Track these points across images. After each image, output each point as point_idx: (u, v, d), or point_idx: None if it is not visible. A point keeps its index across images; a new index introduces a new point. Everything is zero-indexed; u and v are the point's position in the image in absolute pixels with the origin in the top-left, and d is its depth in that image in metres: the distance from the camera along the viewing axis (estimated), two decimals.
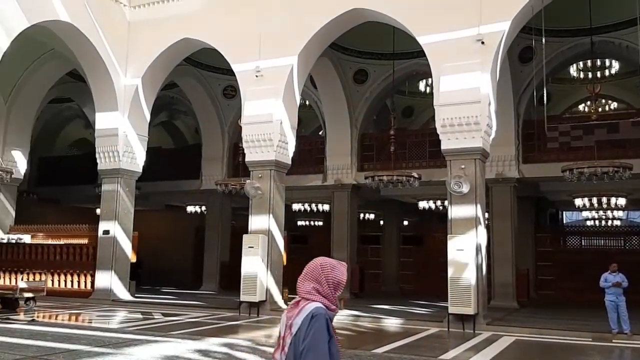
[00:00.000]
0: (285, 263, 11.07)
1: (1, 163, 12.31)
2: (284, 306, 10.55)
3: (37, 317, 9.51)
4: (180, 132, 21.04)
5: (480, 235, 9.01)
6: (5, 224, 13.75)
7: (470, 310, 8.61)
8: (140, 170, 12.45)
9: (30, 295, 10.29)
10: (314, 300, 1.84)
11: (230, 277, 14.14)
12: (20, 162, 13.90)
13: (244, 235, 10.45)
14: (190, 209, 18.53)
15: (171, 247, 18.58)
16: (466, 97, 9.01)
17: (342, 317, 9.79)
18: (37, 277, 12.11)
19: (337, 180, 14.17)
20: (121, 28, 12.02)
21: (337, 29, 10.69)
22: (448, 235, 9.01)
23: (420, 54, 10.14)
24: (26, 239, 13.47)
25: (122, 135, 11.89)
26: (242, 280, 10.24)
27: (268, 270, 10.26)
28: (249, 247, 10.24)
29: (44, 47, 12.77)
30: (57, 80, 14.19)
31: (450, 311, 8.76)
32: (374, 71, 14.21)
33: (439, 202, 15.20)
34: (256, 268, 10.12)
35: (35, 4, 10.19)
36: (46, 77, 13.86)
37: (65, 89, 15.56)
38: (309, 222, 20.36)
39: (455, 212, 9.09)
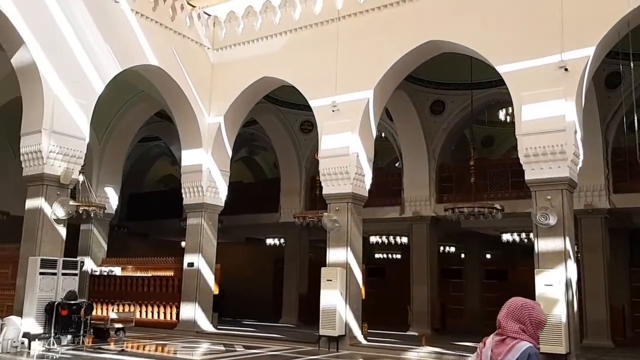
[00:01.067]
0: (364, 297, 10.97)
1: (95, 199, 13.11)
2: (363, 341, 10.41)
3: (127, 347, 9.91)
4: (259, 167, 21.64)
5: (570, 270, 8.55)
6: (98, 256, 14.57)
7: (562, 350, 8.13)
8: (223, 204, 12.86)
9: (120, 325, 10.77)
10: (523, 340, 1.97)
11: (309, 309, 14.15)
12: (112, 198, 14.81)
13: (323, 269, 10.47)
14: (269, 241, 18.88)
15: (251, 279, 18.92)
16: (550, 125, 8.71)
17: (424, 354, 9.51)
18: (127, 308, 12.68)
19: (415, 212, 13.98)
20: (205, 70, 12.64)
21: (412, 62, 10.71)
22: (535, 270, 8.61)
23: (500, 82, 9.94)
24: (117, 271, 14.16)
25: (205, 171, 12.38)
26: (320, 314, 10.23)
27: (347, 304, 10.20)
28: (328, 280, 10.23)
29: (134, 89, 13.64)
30: (146, 120, 15.10)
31: (540, 350, 8.30)
32: (451, 102, 14.06)
33: (523, 235, 14.60)
34: (335, 301, 10.09)
35: (127, 50, 10.93)
36: (136, 117, 14.82)
37: (153, 128, 16.47)
38: (387, 255, 20.13)
39: (542, 245, 8.69)
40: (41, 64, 9.38)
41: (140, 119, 14.97)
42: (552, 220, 8.54)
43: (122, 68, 10.76)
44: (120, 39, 10.81)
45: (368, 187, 10.97)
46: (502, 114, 16.14)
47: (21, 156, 9.65)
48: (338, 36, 11.06)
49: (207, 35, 12.87)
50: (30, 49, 9.26)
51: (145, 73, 11.71)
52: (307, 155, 16.09)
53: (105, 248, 14.83)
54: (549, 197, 8.72)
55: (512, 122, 9.70)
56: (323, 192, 10.87)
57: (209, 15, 13.12)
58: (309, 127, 15.74)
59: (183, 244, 13.54)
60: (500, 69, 9.38)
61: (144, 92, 13.56)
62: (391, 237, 16.98)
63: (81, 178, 10.67)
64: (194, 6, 12.67)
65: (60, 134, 9.58)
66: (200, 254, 12.36)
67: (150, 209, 18.87)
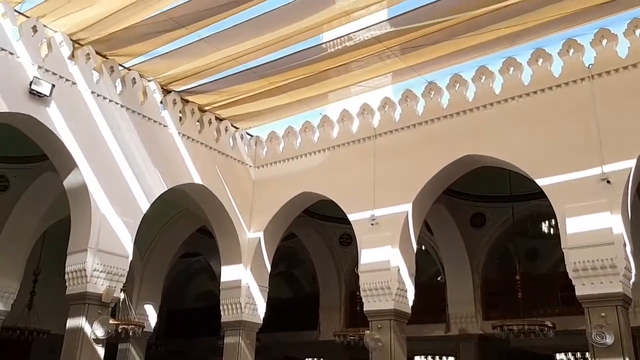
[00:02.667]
0: None
1: (135, 317, 13.06)
2: None
3: None
4: (298, 281, 21.39)
5: None
6: None
7: None
8: (261, 321, 12.60)
9: None
10: None
11: None
12: (151, 316, 14.74)
13: None
14: None
15: None
16: (597, 238, 8.46)
17: None
18: None
19: (462, 330, 13.37)
20: (247, 186, 13.00)
21: (450, 176, 10.79)
22: None
23: (541, 194, 9.85)
24: None
25: (244, 287, 12.29)
26: None
27: None
28: None
29: (177, 207, 14.04)
30: (187, 237, 15.37)
31: None
32: (491, 214, 13.91)
33: (578, 355, 13.69)
34: None
35: (173, 170, 11.40)
36: (178, 234, 15.11)
37: (194, 244, 16.67)
38: None
39: None
40: (91, 186, 9.82)
41: (182, 236, 15.25)
42: (609, 340, 8.01)
43: (167, 187, 11.15)
44: (167, 159, 11.32)
45: (411, 303, 10.65)
46: (545, 226, 15.79)
47: (66, 275, 9.82)
48: (375, 152, 11.34)
49: (249, 154, 13.39)
50: (82, 171, 9.74)
51: (189, 191, 12.08)
52: (346, 269, 15.91)
53: None
54: (603, 314, 8.26)
55: (557, 235, 9.47)
56: (364, 309, 10.59)
57: (251, 135, 13.74)
58: (348, 240, 15.70)
59: None
60: (540, 182, 9.35)
61: (186, 210, 13.92)
62: (437, 357, 16.12)
63: (122, 296, 10.73)
64: (237, 128, 13.32)
65: (104, 252, 9.77)
66: None
67: (188, 327, 18.62)
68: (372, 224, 10.74)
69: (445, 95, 10.93)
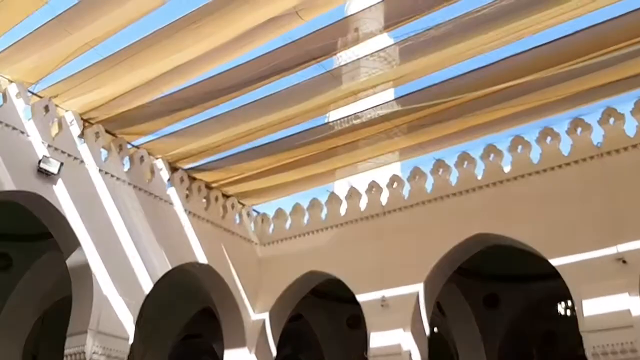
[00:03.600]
0: None
1: None
2: None
3: None
4: None
5: None
6: None
7: None
8: None
9: None
10: None
11: None
12: None
13: None
14: None
15: None
16: (615, 321, 8.15)
17: None
18: None
19: None
20: (252, 265, 12.73)
21: (462, 255, 10.55)
22: None
23: (556, 274, 9.55)
24: None
25: None
26: None
27: None
28: None
29: (180, 286, 13.67)
30: (189, 318, 14.90)
31: None
32: (505, 295, 13.47)
33: None
34: None
35: (177, 249, 11.21)
36: (181, 315, 14.65)
37: (196, 325, 16.10)
38: None
39: None
40: (94, 265, 9.61)
41: (184, 317, 14.79)
42: None
43: (172, 266, 10.93)
44: (172, 238, 11.16)
45: None
46: (561, 308, 15.25)
47: (64, 358, 9.43)
48: (384, 230, 11.16)
49: (255, 231, 13.22)
50: (86, 250, 9.57)
51: (194, 270, 11.82)
52: (355, 353, 15.26)
53: None
54: None
55: (574, 316, 9.12)
56: None
57: (258, 212, 13.63)
58: (357, 322, 15.14)
59: None
60: (555, 262, 9.10)
61: (189, 289, 13.57)
62: None
63: None
64: (244, 204, 13.24)
65: (105, 334, 9.41)
66: None
67: None
68: (382, 305, 10.40)
69: (453, 172, 10.88)
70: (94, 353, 9.23)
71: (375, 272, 10.77)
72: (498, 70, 9.04)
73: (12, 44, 8.84)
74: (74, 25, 8.26)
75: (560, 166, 9.65)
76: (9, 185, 8.85)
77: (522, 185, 9.91)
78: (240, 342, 12.00)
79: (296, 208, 12.93)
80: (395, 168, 13.85)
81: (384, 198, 11.61)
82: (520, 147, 10.22)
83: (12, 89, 9.34)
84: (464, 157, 10.81)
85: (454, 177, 10.85)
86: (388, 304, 10.36)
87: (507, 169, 10.23)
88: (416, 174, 11.34)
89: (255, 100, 10.09)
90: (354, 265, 11.29)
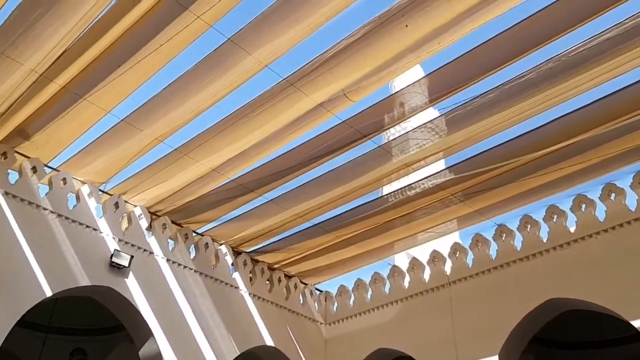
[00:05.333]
0: None
1: None
2: None
3: None
4: None
5: None
6: None
7: None
8: None
9: None
10: None
11: None
12: None
13: None
14: None
15: None
16: None
17: None
18: None
19: None
20: (319, 345, 12.58)
21: (536, 322, 10.11)
22: None
23: (636, 337, 8.99)
24: None
25: None
26: None
27: None
28: None
29: None
30: None
31: None
32: None
33: None
34: None
35: (245, 333, 11.27)
36: None
37: None
38: None
39: None
40: (166, 355, 9.75)
41: None
42: None
43: (239, 351, 10.94)
44: (238, 322, 11.26)
45: None
46: None
47: None
48: (452, 301, 10.90)
49: (319, 310, 13.15)
50: (158, 340, 9.77)
51: (261, 354, 11.77)
52: None
53: None
54: None
55: None
56: None
57: (321, 291, 13.61)
58: None
59: None
60: (637, 323, 8.58)
61: None
62: None
63: None
64: (306, 284, 13.27)
65: None
66: None
67: None
68: None
69: (517, 237, 10.64)
70: None
71: (446, 345, 10.43)
72: (550, 131, 9.02)
73: (82, 149, 9.56)
74: (144, 122, 8.87)
75: (629, 222, 9.29)
76: (84, 281, 9.27)
77: (591, 246, 9.56)
78: None
79: (358, 284, 12.84)
80: (455, 237, 13.64)
81: (448, 268, 11.41)
82: (584, 205, 9.95)
83: (85, 190, 9.98)
84: (526, 220, 10.59)
85: (518, 242, 10.61)
86: None
87: (572, 229, 9.93)
88: (478, 240, 11.16)
89: (311, 180, 10.37)
90: (423, 340, 10.98)
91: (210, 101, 8.66)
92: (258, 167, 10.07)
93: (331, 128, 9.29)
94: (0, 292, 8.28)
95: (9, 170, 9.19)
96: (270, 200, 10.72)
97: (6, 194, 8.90)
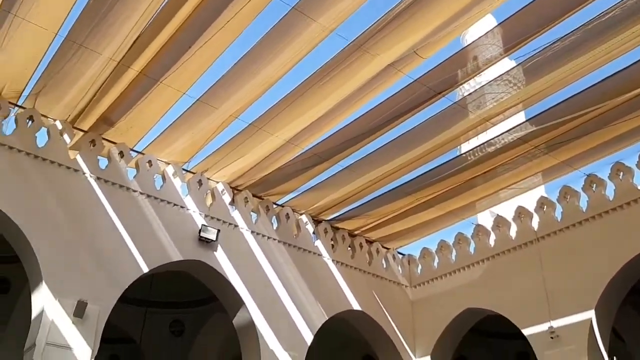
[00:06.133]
0: None
1: None
2: None
3: None
4: None
5: None
6: None
7: None
8: None
9: None
10: None
11: None
12: None
13: None
14: None
15: None
16: None
17: None
18: None
19: None
20: (405, 308, 12.61)
21: (633, 274, 9.62)
22: None
23: None
24: None
25: None
26: None
27: None
28: None
29: (339, 336, 13.85)
30: None
31: None
32: None
33: None
34: None
35: (330, 299, 11.48)
36: None
37: None
38: None
39: None
40: (258, 322, 10.14)
41: None
42: None
43: (328, 317, 11.17)
44: (324, 288, 11.47)
45: None
46: None
47: None
48: (541, 257, 10.56)
49: (403, 274, 13.15)
50: (249, 309, 10.16)
51: (349, 318, 11.96)
52: None
53: None
54: None
55: None
56: None
57: (403, 254, 13.57)
58: (525, 357, 14.21)
59: None
60: None
61: (348, 338, 13.71)
62: None
63: None
64: (388, 248, 13.27)
65: None
66: None
67: None
68: (551, 338, 9.71)
69: (609, 186, 10.09)
70: None
71: (538, 302, 10.16)
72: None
73: (163, 131, 9.93)
74: (219, 99, 9.07)
75: None
76: (176, 256, 9.74)
77: None
78: None
79: (442, 245, 12.70)
80: (541, 191, 13.13)
81: (535, 223, 11.04)
82: None
83: (169, 170, 10.41)
84: (618, 167, 10.01)
85: (610, 191, 10.06)
86: (558, 336, 9.66)
87: None
88: (566, 193, 10.68)
89: (386, 144, 10.27)
90: (513, 298, 10.75)
91: (279, 73, 8.71)
92: (331, 135, 10.07)
93: (403, 88, 9.10)
94: (103, 271, 8.86)
95: (99, 157, 9.71)
96: (346, 167, 10.73)
97: (98, 179, 9.44)
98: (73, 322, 8.12)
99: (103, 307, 8.56)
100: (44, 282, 8.25)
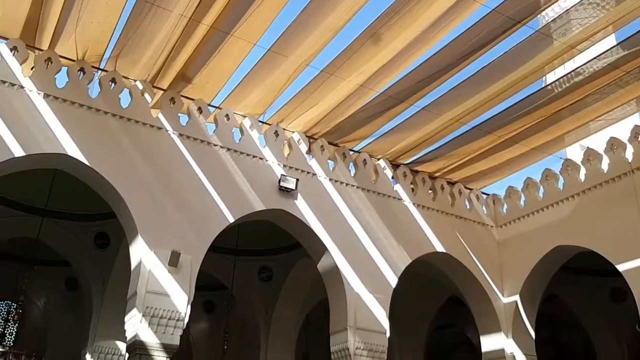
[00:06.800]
0: None
1: None
2: None
3: None
4: (568, 347, 19.15)
5: None
6: None
7: None
8: None
9: None
10: None
11: None
12: None
13: None
14: None
15: None
16: None
17: None
18: None
19: None
20: (492, 249, 12.38)
21: None
22: None
23: None
24: None
25: (509, 357, 11.40)
26: None
27: None
28: None
29: (422, 278, 13.87)
30: (438, 308, 15.06)
31: None
32: None
33: None
34: None
35: (413, 242, 11.47)
36: (429, 306, 14.95)
37: (446, 315, 16.20)
38: None
39: None
40: (342, 267, 10.34)
41: (433, 308, 15.02)
42: None
43: (411, 259, 11.18)
44: (406, 232, 11.45)
45: None
46: None
47: (332, 355, 10.27)
48: (636, 189, 9.94)
49: (488, 214, 12.85)
50: (333, 254, 10.35)
51: (433, 260, 11.92)
52: (623, 328, 13.79)
53: None
54: None
55: None
56: None
57: (487, 194, 13.22)
58: (621, 295, 13.67)
59: None
60: None
61: (433, 280, 13.71)
62: None
63: None
64: (470, 189, 12.97)
65: (363, 330, 10.02)
66: None
67: None
68: None
69: None
70: (356, 348, 9.88)
71: (633, 237, 9.64)
72: None
73: (238, 84, 10.05)
74: (289, 48, 9.04)
75: None
76: (259, 206, 10.02)
77: None
78: (494, 328, 11.72)
79: (528, 183, 12.23)
80: (635, 120, 12.22)
81: (629, 154, 10.34)
82: None
83: (246, 123, 10.59)
84: None
85: None
86: None
87: None
88: None
89: (464, 81, 9.88)
90: (606, 233, 10.25)
91: (347, 16, 8.50)
92: (406, 75, 9.79)
93: (480, 20, 8.63)
94: (192, 223, 9.29)
95: (179, 114, 10.02)
96: (423, 108, 10.45)
97: (180, 135, 9.77)
98: (169, 271, 8.63)
99: (195, 256, 9.01)
100: (139, 235, 8.79)
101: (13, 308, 14.11)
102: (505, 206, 12.73)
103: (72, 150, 8.74)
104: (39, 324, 15.78)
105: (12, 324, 14.38)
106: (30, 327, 15.51)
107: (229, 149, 10.14)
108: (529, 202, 12.12)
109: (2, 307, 15.86)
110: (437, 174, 12.62)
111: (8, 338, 14.20)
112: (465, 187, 12.89)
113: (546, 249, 11.29)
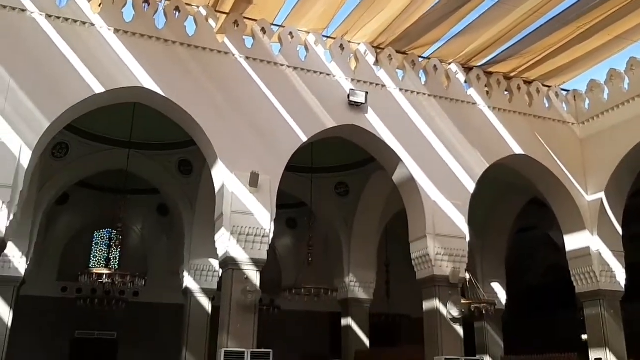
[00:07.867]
0: None
1: (484, 296, 13.18)
2: None
3: None
4: None
5: None
6: (497, 354, 14.38)
7: None
8: (623, 289, 11.34)
9: None
10: None
11: None
12: (500, 293, 14.78)
13: None
14: None
15: None
16: None
17: None
18: None
19: None
20: (574, 147, 11.93)
21: None
22: None
23: None
24: None
25: (595, 254, 11.24)
26: None
27: None
28: None
29: (502, 182, 13.66)
30: (519, 211, 14.89)
31: None
32: None
33: None
34: None
35: (490, 146, 11.20)
36: (509, 210, 14.85)
37: (527, 217, 16.02)
38: None
39: None
40: (418, 176, 10.36)
41: (513, 211, 14.89)
42: None
43: (488, 164, 11.00)
44: (482, 136, 11.19)
45: None
46: None
47: (412, 261, 10.53)
48: None
49: (569, 111, 12.29)
50: (407, 165, 10.35)
51: (512, 163, 11.65)
52: None
53: (502, 345, 14.62)
54: None
55: None
56: None
57: (567, 91, 12.58)
58: None
59: (584, 337, 12.26)
60: None
61: (512, 183, 13.49)
62: None
63: (467, 276, 10.97)
64: (549, 86, 12.37)
65: (443, 236, 10.16)
66: (606, 348, 10.93)
67: (540, 302, 17.97)
68: None
69: None
70: (437, 254, 10.07)
71: None
72: None
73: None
74: None
75: None
76: (330, 123, 10.06)
77: None
78: (579, 226, 11.51)
79: (612, 75, 11.51)
80: None
81: None
82: None
83: (310, 39, 10.45)
84: None
85: None
86: None
87: None
88: None
89: None
90: None
91: None
92: None
93: None
94: (267, 144, 9.51)
95: (244, 37, 10.02)
96: (494, 4, 9.86)
97: (247, 58, 9.82)
98: (250, 192, 8.99)
99: (273, 176, 9.31)
100: (219, 160, 9.15)
101: (114, 235, 15.35)
102: (587, 101, 12.10)
103: (147, 82, 9.04)
104: (139, 248, 17.16)
105: (114, 249, 15.67)
106: (131, 251, 16.87)
107: (295, 68, 10.12)
108: (613, 95, 11.45)
109: (104, 234, 17.29)
110: (512, 74, 12.07)
111: (113, 262, 15.50)
112: (544, 85, 12.29)
113: (633, 142, 10.77)
